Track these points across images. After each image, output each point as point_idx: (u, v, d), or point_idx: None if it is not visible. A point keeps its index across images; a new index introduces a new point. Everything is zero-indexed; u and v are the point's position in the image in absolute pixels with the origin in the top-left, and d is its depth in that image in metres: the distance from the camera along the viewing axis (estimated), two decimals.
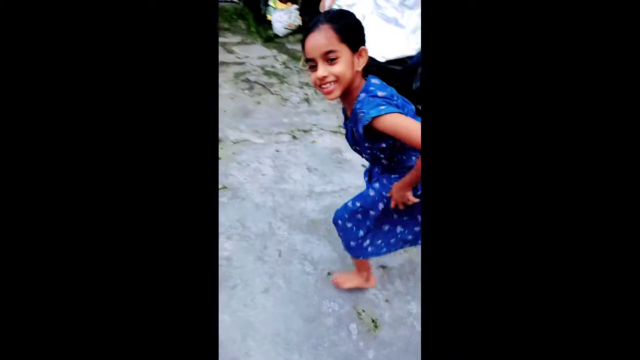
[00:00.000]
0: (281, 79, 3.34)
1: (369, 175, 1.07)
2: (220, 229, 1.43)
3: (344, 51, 0.74)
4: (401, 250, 1.40)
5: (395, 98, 0.81)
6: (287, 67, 3.70)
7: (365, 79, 0.82)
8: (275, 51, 4.18)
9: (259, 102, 2.76)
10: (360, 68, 0.78)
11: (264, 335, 1.06)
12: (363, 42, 0.79)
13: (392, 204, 0.89)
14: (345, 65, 0.74)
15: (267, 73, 3.45)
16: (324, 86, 0.77)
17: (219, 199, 1.61)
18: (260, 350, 1.02)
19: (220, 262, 1.30)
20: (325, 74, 0.74)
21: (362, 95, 0.78)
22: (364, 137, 0.79)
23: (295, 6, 4.64)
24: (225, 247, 1.35)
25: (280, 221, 1.51)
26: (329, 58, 0.73)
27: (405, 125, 0.71)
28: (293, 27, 4.55)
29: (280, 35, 4.55)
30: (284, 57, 4.01)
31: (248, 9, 5.15)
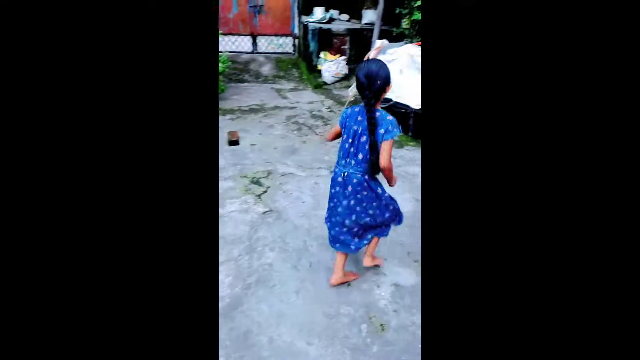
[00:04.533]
0: (325, 121, 3.83)
1: (343, 187, 1.40)
2: (265, 242, 1.81)
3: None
4: (415, 273, 1.64)
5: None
6: (331, 110, 4.21)
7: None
8: (323, 97, 4.76)
9: (304, 142, 3.23)
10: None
11: (293, 324, 1.36)
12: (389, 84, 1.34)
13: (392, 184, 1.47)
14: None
15: (313, 116, 3.97)
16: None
17: (267, 220, 2.00)
18: (290, 333, 1.32)
19: (264, 267, 1.66)
20: None
21: (378, 113, 1.31)
22: (381, 140, 1.29)
23: (343, 57, 5.27)
24: (269, 256, 1.72)
25: (314, 240, 1.85)
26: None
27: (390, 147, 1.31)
28: (340, 76, 5.15)
29: (329, 82, 5.17)
30: (330, 102, 4.55)
31: (302, 60, 5.94)
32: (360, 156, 1.32)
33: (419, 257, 1.75)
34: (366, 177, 1.35)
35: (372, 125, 1.26)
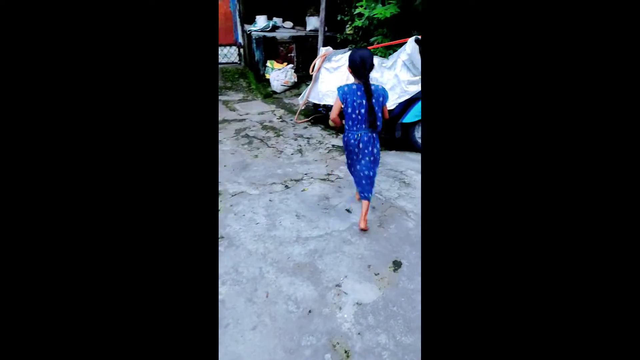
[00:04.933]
0: (278, 132, 3.72)
1: (358, 146, 1.91)
2: None
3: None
4: (376, 288, 1.59)
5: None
6: (283, 120, 4.11)
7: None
8: (273, 106, 4.64)
9: (256, 156, 3.10)
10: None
11: None
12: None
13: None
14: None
15: (265, 127, 3.84)
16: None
17: (218, 249, 1.84)
18: None
19: None
20: None
21: (373, 87, 1.82)
22: (382, 106, 1.85)
23: (291, 65, 5.21)
24: (220, 291, 1.56)
25: (270, 265, 1.73)
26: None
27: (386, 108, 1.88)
28: (289, 84, 5.08)
29: (278, 91, 5.07)
30: (281, 111, 4.45)
31: (249, 69, 5.77)
32: (365, 121, 1.84)
33: (379, 270, 1.71)
34: (373, 134, 1.89)
35: (370, 95, 1.77)
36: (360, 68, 1.74)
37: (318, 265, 1.74)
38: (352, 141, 1.89)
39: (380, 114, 1.84)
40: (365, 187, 1.97)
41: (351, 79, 3.45)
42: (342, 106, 1.85)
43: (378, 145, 1.92)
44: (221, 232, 1.99)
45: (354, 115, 1.84)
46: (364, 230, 2.00)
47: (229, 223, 2.08)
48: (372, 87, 1.79)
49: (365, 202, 2.00)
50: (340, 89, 1.85)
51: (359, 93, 1.80)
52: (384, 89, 1.85)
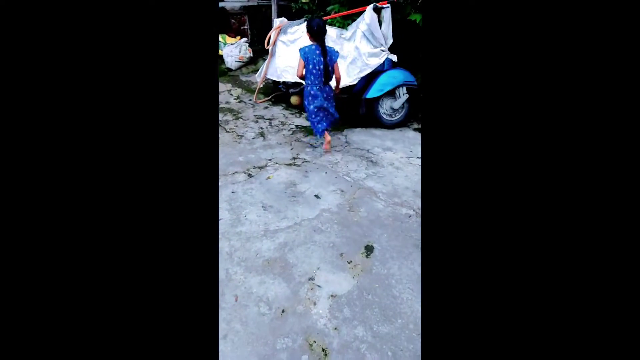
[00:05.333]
0: (236, 114, 3.47)
1: (320, 92, 2.55)
2: None
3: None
4: (350, 277, 1.55)
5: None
6: (241, 101, 3.84)
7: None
8: (229, 85, 4.32)
9: None
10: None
11: None
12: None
13: (337, 92, 2.70)
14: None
15: (222, 110, 3.57)
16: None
17: None
18: None
19: None
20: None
21: (328, 48, 2.45)
22: (333, 63, 2.48)
23: (245, 39, 4.82)
24: None
25: (237, 265, 1.62)
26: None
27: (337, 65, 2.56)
28: (245, 60, 4.72)
29: (233, 68, 4.70)
30: (238, 90, 4.15)
31: None
32: (321, 75, 2.45)
33: (352, 257, 1.67)
34: (326, 87, 2.55)
35: (326, 53, 2.40)
36: (318, 33, 2.37)
37: (289, 259, 1.66)
38: (314, 91, 2.52)
39: (331, 69, 2.47)
40: (328, 121, 2.66)
41: None
42: (304, 64, 2.44)
43: (331, 93, 2.62)
44: None
45: (314, 71, 2.44)
46: (328, 151, 2.70)
47: None
48: (327, 48, 2.42)
49: (327, 134, 2.70)
50: (301, 50, 2.42)
51: (317, 52, 2.40)
52: (334, 50, 2.51)
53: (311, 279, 1.55)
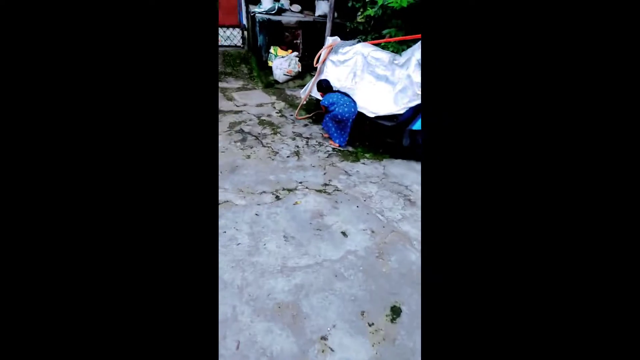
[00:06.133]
0: (275, 129, 3.41)
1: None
2: None
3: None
4: (369, 344, 1.33)
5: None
6: (282, 115, 3.79)
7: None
8: (274, 97, 4.30)
9: (249, 156, 2.80)
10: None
11: None
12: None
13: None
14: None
15: (262, 122, 3.52)
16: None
17: None
18: None
19: None
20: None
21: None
22: None
23: (296, 53, 4.83)
24: None
25: (246, 304, 1.47)
26: None
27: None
28: (293, 74, 4.71)
29: (281, 81, 4.71)
30: (282, 104, 4.11)
31: (252, 54, 5.39)
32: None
33: (374, 319, 1.45)
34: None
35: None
36: (327, 89, 2.94)
37: (303, 307, 1.48)
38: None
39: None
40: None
41: (358, 75, 3.12)
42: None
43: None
44: None
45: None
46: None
47: None
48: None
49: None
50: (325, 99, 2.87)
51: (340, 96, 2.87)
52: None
53: (324, 338, 1.35)
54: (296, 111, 3.78)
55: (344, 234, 1.97)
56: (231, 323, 1.38)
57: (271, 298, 1.51)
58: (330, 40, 3.38)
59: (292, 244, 1.85)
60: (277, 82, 4.72)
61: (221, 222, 1.98)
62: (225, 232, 1.91)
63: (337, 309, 1.48)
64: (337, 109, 2.90)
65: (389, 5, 3.06)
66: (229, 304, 1.46)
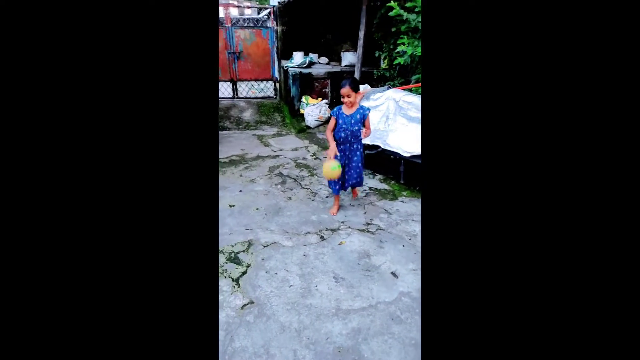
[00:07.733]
0: (311, 171, 3.55)
1: (345, 155, 2.62)
2: (245, 356, 1.41)
3: (353, 94, 2.42)
4: None
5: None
6: (317, 157, 3.95)
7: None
8: (307, 142, 4.53)
9: (290, 198, 2.91)
10: (359, 100, 2.68)
11: None
12: (358, 89, 2.48)
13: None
14: (354, 97, 2.43)
15: (298, 165, 3.69)
16: (346, 100, 2.44)
17: (247, 318, 1.62)
18: None
19: None
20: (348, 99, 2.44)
21: (359, 107, 2.52)
22: (360, 122, 2.51)
23: (325, 101, 5.15)
24: None
25: (306, 348, 1.46)
26: (348, 95, 2.41)
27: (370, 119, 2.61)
28: (323, 119, 4.99)
29: (312, 126, 4.98)
30: (315, 147, 4.32)
31: (284, 103, 5.80)
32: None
33: None
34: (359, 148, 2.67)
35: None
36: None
37: (363, 351, 1.44)
38: (339, 150, 2.60)
39: (359, 125, 2.55)
40: (340, 185, 2.65)
41: (391, 118, 3.26)
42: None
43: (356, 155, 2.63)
44: (251, 295, 1.77)
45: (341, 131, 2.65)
46: (334, 215, 2.64)
47: (259, 283, 1.86)
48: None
49: (337, 198, 2.71)
50: (333, 111, 2.66)
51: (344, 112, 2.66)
52: (366, 108, 2.60)
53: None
54: None
55: (394, 274, 1.95)
56: None
57: (330, 342, 1.49)
58: (362, 88, 3.61)
59: (343, 286, 1.85)
60: (308, 127, 5.00)
61: (271, 263, 2.04)
62: (276, 273, 1.95)
63: (398, 354, 1.43)
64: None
65: (418, 55, 3.28)
66: (290, 348, 1.46)
